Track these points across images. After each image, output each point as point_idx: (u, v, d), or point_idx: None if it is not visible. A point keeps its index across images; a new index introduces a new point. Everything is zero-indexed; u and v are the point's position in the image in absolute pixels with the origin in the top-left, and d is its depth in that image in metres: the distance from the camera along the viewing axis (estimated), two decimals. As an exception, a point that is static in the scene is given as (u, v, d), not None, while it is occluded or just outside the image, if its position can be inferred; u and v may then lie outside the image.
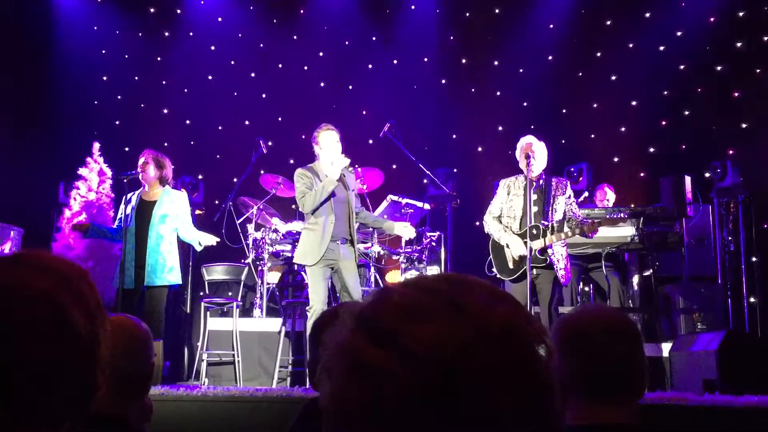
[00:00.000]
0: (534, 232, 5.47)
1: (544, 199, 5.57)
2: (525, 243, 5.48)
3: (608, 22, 9.64)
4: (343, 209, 5.65)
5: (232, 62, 10.28)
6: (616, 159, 9.38)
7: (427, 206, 7.61)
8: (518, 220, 5.62)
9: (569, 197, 5.67)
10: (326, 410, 0.73)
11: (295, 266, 7.40)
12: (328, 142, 5.65)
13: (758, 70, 8.89)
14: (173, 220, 5.90)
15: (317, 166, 5.70)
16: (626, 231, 7.07)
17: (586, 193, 8.07)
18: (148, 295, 5.73)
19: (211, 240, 6.05)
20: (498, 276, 5.76)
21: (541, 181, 5.64)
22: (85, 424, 1.87)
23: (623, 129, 9.46)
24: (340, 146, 5.68)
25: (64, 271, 1.00)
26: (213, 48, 10.25)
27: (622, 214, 6.55)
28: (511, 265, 5.64)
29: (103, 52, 10.05)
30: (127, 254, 5.72)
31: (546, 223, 5.51)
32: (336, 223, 5.57)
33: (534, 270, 5.49)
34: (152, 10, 10.23)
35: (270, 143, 8.25)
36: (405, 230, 5.97)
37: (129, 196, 5.98)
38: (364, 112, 9.91)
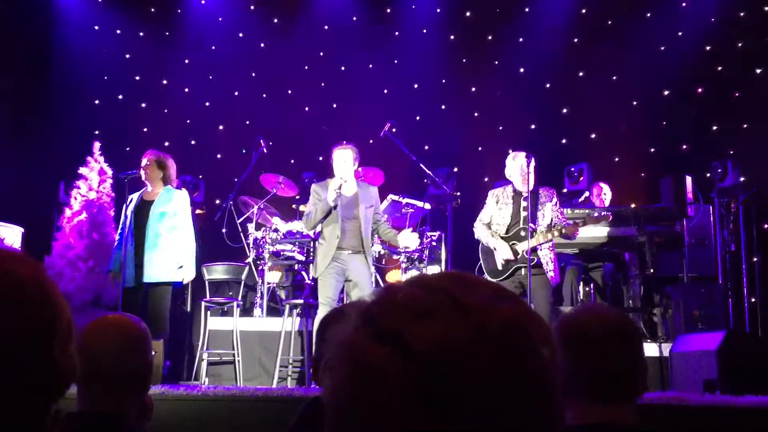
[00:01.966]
0: (522, 234, 5.73)
1: (532, 206, 5.83)
2: (512, 245, 5.77)
3: (609, 22, 9.64)
4: (352, 225, 5.87)
5: (233, 62, 10.27)
6: (616, 159, 9.38)
7: (427, 206, 7.61)
8: (506, 227, 5.88)
9: (555, 204, 5.94)
10: (328, 407, 0.73)
11: (295, 266, 7.43)
12: (336, 160, 5.90)
13: (759, 70, 8.89)
14: (171, 218, 5.93)
15: (330, 182, 5.91)
16: (627, 231, 7.09)
17: (587, 193, 8.06)
18: (149, 293, 5.74)
19: (188, 276, 6.00)
20: (488, 279, 5.83)
21: (530, 193, 5.86)
22: (83, 422, 1.87)
23: (624, 129, 9.46)
24: (349, 165, 5.89)
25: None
26: (213, 47, 10.25)
27: (604, 213, 6.57)
28: (500, 267, 5.85)
29: (104, 51, 10.05)
30: (127, 253, 5.74)
31: (533, 226, 5.74)
32: (344, 237, 5.81)
33: (523, 272, 5.70)
34: (153, 9, 10.22)
35: (271, 143, 8.24)
36: (408, 239, 6.13)
37: (132, 196, 6.02)
38: (364, 112, 9.90)
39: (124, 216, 5.98)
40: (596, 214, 6.35)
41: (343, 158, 5.88)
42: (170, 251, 5.88)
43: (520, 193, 5.81)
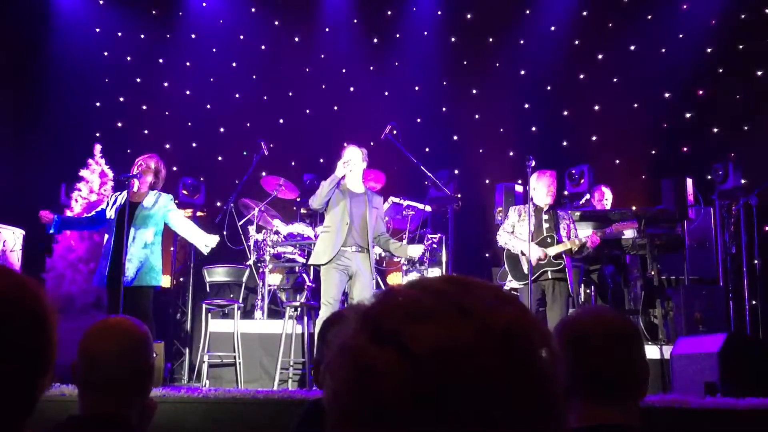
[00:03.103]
0: (548, 240, 6.15)
1: (554, 220, 6.29)
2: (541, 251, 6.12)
3: (610, 24, 9.65)
4: (359, 221, 5.93)
5: (234, 64, 10.29)
6: (617, 161, 9.38)
7: (428, 208, 7.62)
8: (529, 236, 6.17)
9: (572, 222, 6.41)
10: (329, 409, 0.73)
11: (296, 268, 7.42)
12: (346, 156, 5.98)
13: (759, 72, 8.89)
14: (158, 221, 5.93)
15: (343, 182, 6.02)
16: (628, 233, 7.09)
17: (588, 196, 8.05)
18: (131, 296, 5.71)
19: (213, 240, 6.08)
20: (514, 284, 6.27)
21: (549, 209, 6.33)
22: (84, 425, 1.88)
23: (624, 131, 9.46)
24: (358, 162, 6.00)
25: None
26: (214, 50, 10.25)
27: (627, 224, 6.67)
28: (525, 270, 6.13)
29: (105, 53, 10.06)
30: (109, 253, 5.76)
31: (558, 236, 6.18)
32: (351, 230, 5.86)
33: (551, 275, 6.09)
34: (154, 12, 10.23)
35: (271, 145, 8.25)
36: (415, 250, 6.29)
37: (116, 195, 6.02)
38: (365, 115, 9.91)
39: (108, 211, 5.97)
40: (622, 223, 6.55)
41: (353, 155, 6.00)
42: (153, 255, 5.87)
43: (541, 209, 6.29)
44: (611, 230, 6.48)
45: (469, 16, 10.13)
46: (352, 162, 5.94)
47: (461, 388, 0.68)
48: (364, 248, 5.90)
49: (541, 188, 6.26)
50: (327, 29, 10.23)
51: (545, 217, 6.28)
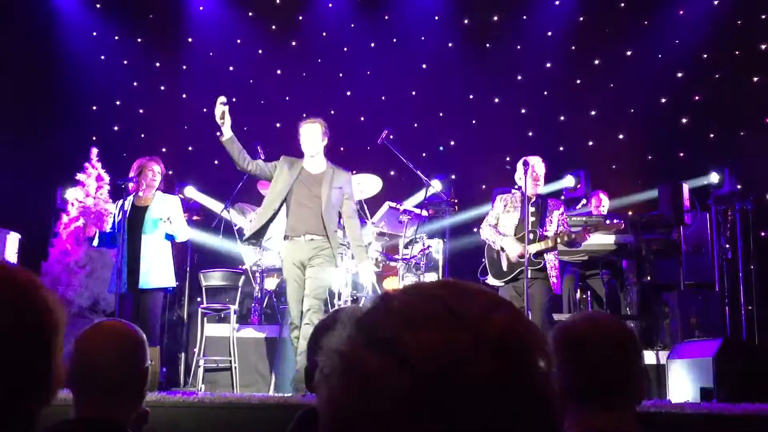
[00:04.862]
0: (531, 237, 5.75)
1: (541, 212, 5.91)
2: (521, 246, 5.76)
3: (606, 30, 9.67)
4: (314, 204, 5.48)
5: (231, 68, 10.28)
6: (614, 166, 9.40)
7: (424, 212, 7.61)
8: (513, 229, 5.91)
9: (562, 213, 6.03)
10: (323, 415, 0.73)
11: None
12: (303, 135, 5.68)
13: (756, 78, 8.92)
14: (168, 223, 5.93)
15: (298, 163, 5.72)
16: (624, 238, 7.10)
17: (584, 200, 8.06)
18: (142, 299, 5.72)
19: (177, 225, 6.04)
20: (492, 281, 6.00)
21: (538, 199, 5.98)
22: (78, 429, 1.87)
23: (621, 136, 9.48)
24: (317, 140, 5.58)
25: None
26: (211, 54, 10.26)
27: (616, 220, 6.59)
28: (505, 268, 5.91)
29: (102, 57, 10.05)
30: (120, 259, 5.74)
31: (542, 231, 5.84)
32: (300, 216, 5.46)
33: (530, 274, 5.67)
34: (151, 16, 10.23)
35: (268, 149, 8.23)
36: (365, 274, 5.82)
37: (122, 202, 6.00)
38: (362, 119, 9.91)
39: (117, 221, 5.95)
40: (608, 222, 6.42)
41: (310, 132, 5.58)
42: (165, 257, 5.88)
43: (529, 198, 5.84)
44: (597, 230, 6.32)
45: (466, 21, 10.15)
46: (312, 151, 5.55)
47: (457, 394, 0.67)
48: (320, 235, 5.40)
49: (524, 177, 5.80)
50: (324, 33, 10.24)
51: (532, 209, 5.84)
